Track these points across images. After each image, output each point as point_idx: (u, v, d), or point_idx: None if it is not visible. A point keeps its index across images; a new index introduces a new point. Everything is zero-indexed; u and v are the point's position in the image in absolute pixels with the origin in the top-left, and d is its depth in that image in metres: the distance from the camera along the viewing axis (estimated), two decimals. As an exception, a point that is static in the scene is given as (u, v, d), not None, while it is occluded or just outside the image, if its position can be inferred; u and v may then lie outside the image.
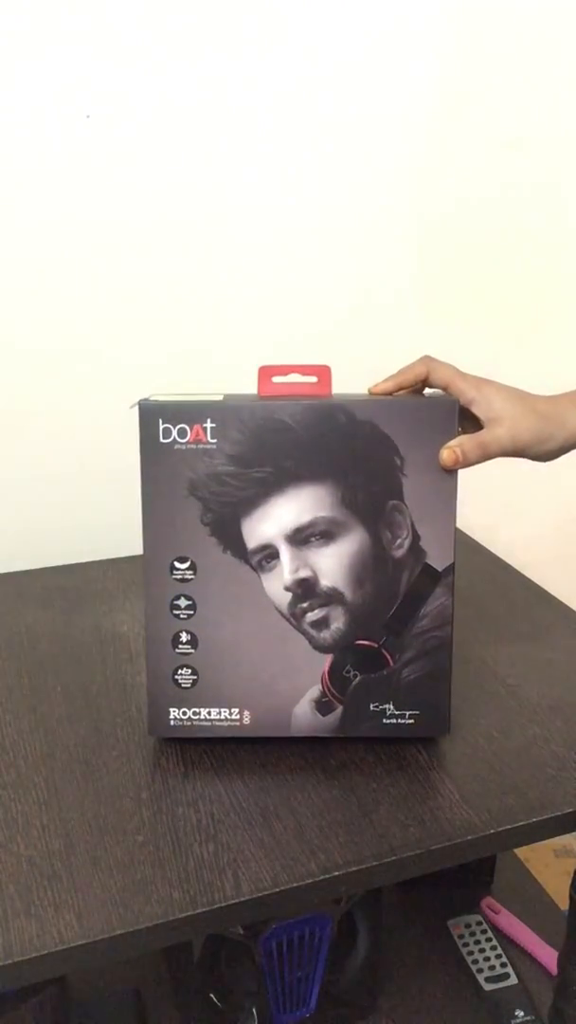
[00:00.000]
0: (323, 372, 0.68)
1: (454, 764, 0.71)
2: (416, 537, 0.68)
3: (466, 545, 1.11)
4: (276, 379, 0.69)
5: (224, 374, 0.95)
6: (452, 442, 0.66)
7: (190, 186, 1.02)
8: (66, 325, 1.03)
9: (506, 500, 1.22)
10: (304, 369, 0.68)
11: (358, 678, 0.70)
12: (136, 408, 0.66)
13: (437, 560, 0.68)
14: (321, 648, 0.69)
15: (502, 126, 1.13)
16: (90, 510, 1.09)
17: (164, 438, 0.65)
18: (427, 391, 0.72)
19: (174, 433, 0.65)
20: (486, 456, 0.68)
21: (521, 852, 1.24)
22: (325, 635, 0.69)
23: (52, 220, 0.98)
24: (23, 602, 0.97)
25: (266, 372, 0.69)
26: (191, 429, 0.65)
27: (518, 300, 1.22)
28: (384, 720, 0.71)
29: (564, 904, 0.87)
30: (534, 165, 1.16)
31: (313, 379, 0.69)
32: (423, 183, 1.12)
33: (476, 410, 0.69)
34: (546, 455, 0.71)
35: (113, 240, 1.01)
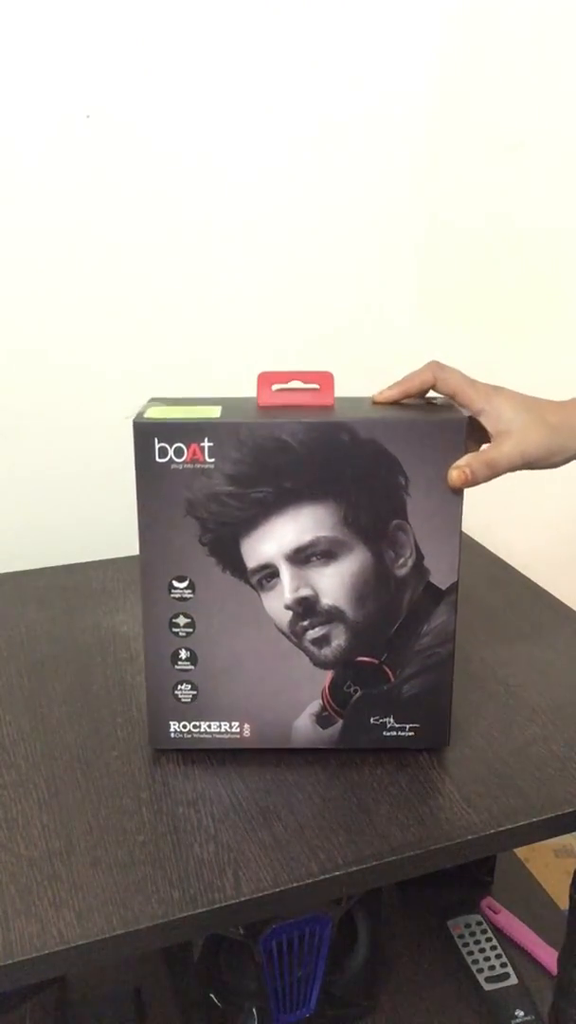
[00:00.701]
0: (325, 379, 0.67)
1: (454, 764, 0.71)
2: (420, 556, 0.66)
3: (466, 545, 1.11)
4: (276, 386, 0.67)
5: (225, 375, 0.95)
6: (460, 461, 0.65)
7: (191, 186, 1.02)
8: (66, 325, 1.03)
9: (506, 500, 1.22)
10: (305, 376, 0.67)
11: (359, 693, 0.69)
12: (130, 422, 0.64)
13: (441, 579, 0.67)
14: (322, 665, 0.69)
15: (503, 129, 1.13)
16: (91, 510, 1.09)
17: (160, 457, 0.64)
18: (432, 393, 0.71)
19: (170, 452, 0.63)
20: (495, 474, 0.67)
21: (521, 852, 1.24)
22: (326, 652, 0.68)
23: (52, 220, 0.98)
24: (23, 602, 0.97)
25: (266, 379, 0.67)
26: (187, 448, 0.63)
27: (520, 302, 1.22)
28: (384, 733, 0.71)
29: (564, 904, 0.87)
30: (535, 168, 1.16)
31: (315, 386, 0.67)
32: (424, 185, 1.11)
33: (485, 421, 0.68)
34: (555, 466, 0.71)
35: (114, 240, 1.01)
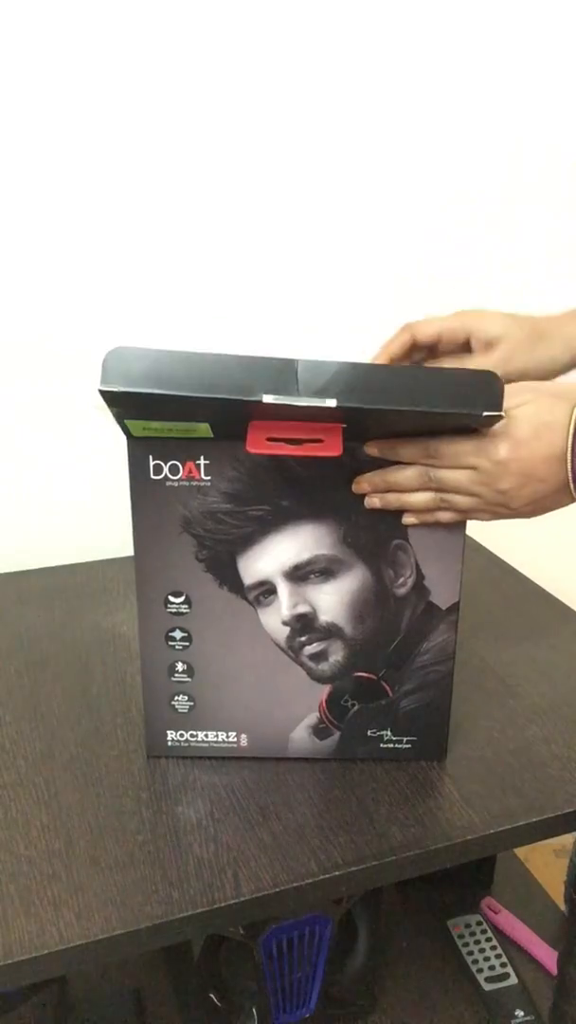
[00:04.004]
0: (331, 433, 0.59)
1: (454, 764, 0.71)
2: (420, 576, 0.66)
3: (466, 545, 1.11)
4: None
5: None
6: None
7: (190, 186, 1.02)
8: (66, 324, 1.02)
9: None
10: (307, 428, 0.58)
11: (356, 707, 0.69)
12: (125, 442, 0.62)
13: (441, 598, 0.66)
14: (319, 679, 0.68)
15: (501, 130, 1.13)
16: (90, 510, 1.09)
17: (155, 475, 0.62)
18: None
19: (165, 470, 0.62)
20: None
21: (521, 852, 1.24)
22: (323, 667, 0.68)
23: (51, 221, 0.98)
24: (23, 602, 0.97)
25: (259, 428, 0.59)
26: (183, 466, 0.62)
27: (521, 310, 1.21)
28: (381, 745, 0.71)
29: (564, 904, 0.87)
30: (536, 168, 1.16)
31: (319, 439, 0.59)
32: (423, 194, 1.11)
33: (472, 338, 0.67)
34: (544, 379, 0.68)
35: (113, 240, 1.01)
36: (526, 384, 0.60)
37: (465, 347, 0.68)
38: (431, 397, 0.55)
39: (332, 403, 0.54)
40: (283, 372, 0.54)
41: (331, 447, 0.59)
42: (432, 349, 0.70)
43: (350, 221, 1.10)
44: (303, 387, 0.54)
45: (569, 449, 0.57)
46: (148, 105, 0.98)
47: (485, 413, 0.55)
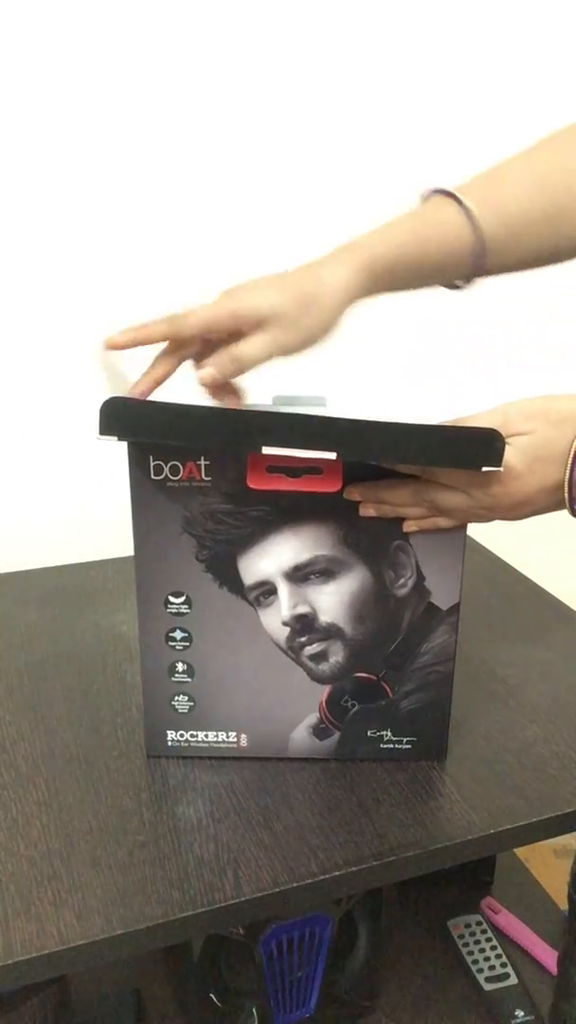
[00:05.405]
0: (331, 467, 0.62)
1: (454, 764, 0.71)
2: (421, 577, 0.66)
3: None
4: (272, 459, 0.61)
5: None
6: (208, 360, 0.61)
7: (191, 187, 1.02)
8: (67, 325, 1.02)
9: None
10: (306, 462, 0.60)
11: (356, 707, 0.69)
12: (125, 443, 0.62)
13: (442, 599, 0.66)
14: (319, 680, 0.68)
15: (500, 126, 1.13)
16: (90, 510, 1.09)
17: (156, 475, 0.63)
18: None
19: (166, 470, 0.63)
20: (243, 369, 0.62)
21: (521, 852, 1.24)
22: (323, 667, 0.68)
23: (51, 222, 0.98)
24: (23, 602, 0.97)
25: (259, 461, 0.61)
26: (184, 467, 0.62)
27: (523, 324, 1.21)
28: (381, 745, 0.71)
29: (564, 904, 0.87)
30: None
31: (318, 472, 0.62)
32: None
33: (242, 321, 0.62)
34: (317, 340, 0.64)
35: (112, 243, 1.01)
36: (535, 406, 0.59)
37: (237, 332, 0.63)
38: (431, 454, 0.57)
39: (332, 456, 0.56)
40: (281, 425, 0.56)
41: (330, 482, 0.62)
42: (206, 342, 0.65)
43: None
44: (302, 439, 0.56)
45: (567, 480, 0.58)
46: (143, 127, 0.98)
47: (484, 469, 0.57)
